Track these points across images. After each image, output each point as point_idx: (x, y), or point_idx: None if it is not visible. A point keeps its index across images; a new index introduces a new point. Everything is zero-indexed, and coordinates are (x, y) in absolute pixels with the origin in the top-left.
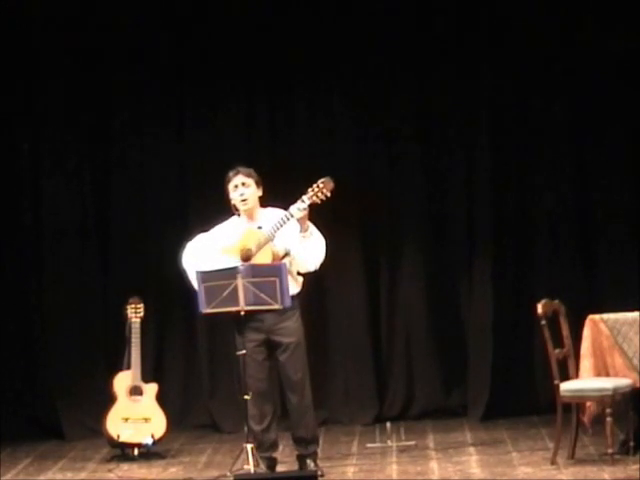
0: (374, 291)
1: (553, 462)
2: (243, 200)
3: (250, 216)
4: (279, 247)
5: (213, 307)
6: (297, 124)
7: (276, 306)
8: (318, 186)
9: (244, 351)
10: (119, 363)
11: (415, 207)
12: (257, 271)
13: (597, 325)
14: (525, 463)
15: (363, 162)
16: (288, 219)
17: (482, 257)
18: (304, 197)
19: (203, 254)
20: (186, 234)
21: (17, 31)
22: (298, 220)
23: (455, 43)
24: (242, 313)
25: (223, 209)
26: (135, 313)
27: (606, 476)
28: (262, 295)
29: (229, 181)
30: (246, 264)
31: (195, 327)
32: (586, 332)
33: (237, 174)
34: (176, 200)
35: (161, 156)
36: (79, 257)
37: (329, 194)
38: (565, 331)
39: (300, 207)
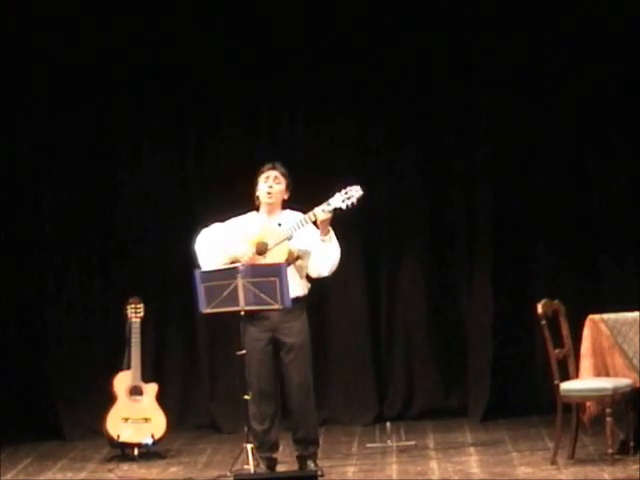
0: (374, 291)
1: (553, 462)
2: (269, 193)
3: (270, 212)
4: (293, 248)
5: (213, 307)
6: (298, 131)
7: (276, 306)
8: (346, 192)
9: (244, 351)
10: (119, 363)
11: (415, 208)
12: (257, 271)
13: (597, 325)
14: (525, 463)
15: (363, 165)
16: (310, 220)
17: (482, 257)
18: (330, 200)
19: (216, 240)
20: (186, 234)
21: (18, 32)
22: (320, 222)
23: (454, 46)
24: (242, 313)
25: (224, 209)
26: (135, 313)
27: (606, 476)
28: (262, 295)
29: (262, 172)
30: (246, 264)
31: (195, 327)
32: (586, 332)
33: (273, 168)
34: (177, 200)
35: (162, 156)
36: (79, 257)
37: (356, 202)
38: (565, 331)
39: (325, 209)
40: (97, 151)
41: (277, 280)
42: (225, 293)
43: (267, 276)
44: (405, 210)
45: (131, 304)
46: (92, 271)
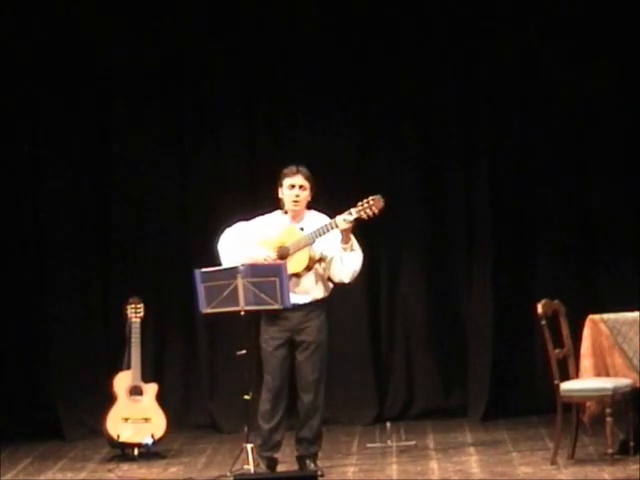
0: (374, 291)
1: (553, 462)
2: (296, 202)
3: (295, 217)
4: (315, 251)
5: (213, 307)
6: (297, 131)
7: (276, 306)
8: (368, 202)
9: (244, 351)
10: (119, 363)
11: (415, 209)
12: (257, 271)
13: (597, 325)
14: (525, 463)
15: (362, 164)
16: (332, 228)
17: (482, 257)
18: (352, 210)
19: (239, 241)
20: (187, 234)
21: (18, 32)
22: (341, 231)
23: (454, 47)
24: (242, 313)
25: (224, 208)
26: (135, 313)
27: (606, 476)
28: (262, 295)
29: (286, 177)
30: (246, 264)
31: (195, 327)
32: (586, 332)
33: (297, 174)
34: (176, 200)
35: (162, 156)
36: (79, 257)
37: (377, 212)
38: (565, 331)
39: (347, 219)
40: (97, 152)
41: (277, 280)
42: (225, 293)
43: (267, 276)
44: (405, 210)
45: (131, 304)
46: (92, 271)
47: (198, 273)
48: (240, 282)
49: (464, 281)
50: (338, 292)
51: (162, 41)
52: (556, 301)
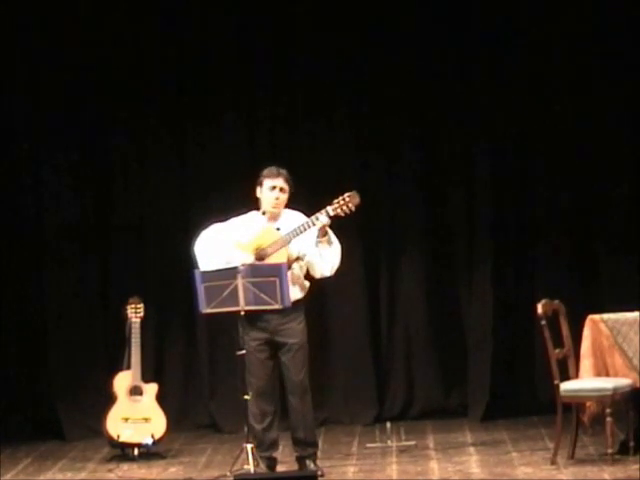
0: (374, 291)
1: (553, 462)
2: (276, 204)
3: (271, 218)
4: (293, 250)
5: (213, 307)
6: (298, 131)
7: (276, 306)
8: (344, 199)
9: (244, 351)
10: (119, 363)
11: (415, 209)
12: (257, 271)
13: (597, 325)
14: (525, 463)
15: (362, 164)
16: (310, 227)
17: (482, 258)
18: (328, 208)
19: (216, 244)
20: (187, 234)
21: (18, 31)
22: (318, 229)
23: (454, 46)
24: (242, 313)
25: (224, 208)
26: (135, 313)
27: (606, 476)
28: (262, 295)
29: (267, 178)
30: (246, 264)
31: (195, 327)
32: (586, 332)
33: (279, 176)
34: (176, 200)
35: (162, 156)
36: (79, 257)
37: (354, 208)
38: (565, 331)
39: (322, 219)
40: (97, 151)
41: (277, 280)
42: (225, 293)
43: (267, 276)
44: (405, 211)
45: (131, 304)
46: (92, 271)
47: (198, 273)
48: (240, 282)
49: (464, 281)
50: (338, 292)
51: (163, 39)
52: (556, 301)
